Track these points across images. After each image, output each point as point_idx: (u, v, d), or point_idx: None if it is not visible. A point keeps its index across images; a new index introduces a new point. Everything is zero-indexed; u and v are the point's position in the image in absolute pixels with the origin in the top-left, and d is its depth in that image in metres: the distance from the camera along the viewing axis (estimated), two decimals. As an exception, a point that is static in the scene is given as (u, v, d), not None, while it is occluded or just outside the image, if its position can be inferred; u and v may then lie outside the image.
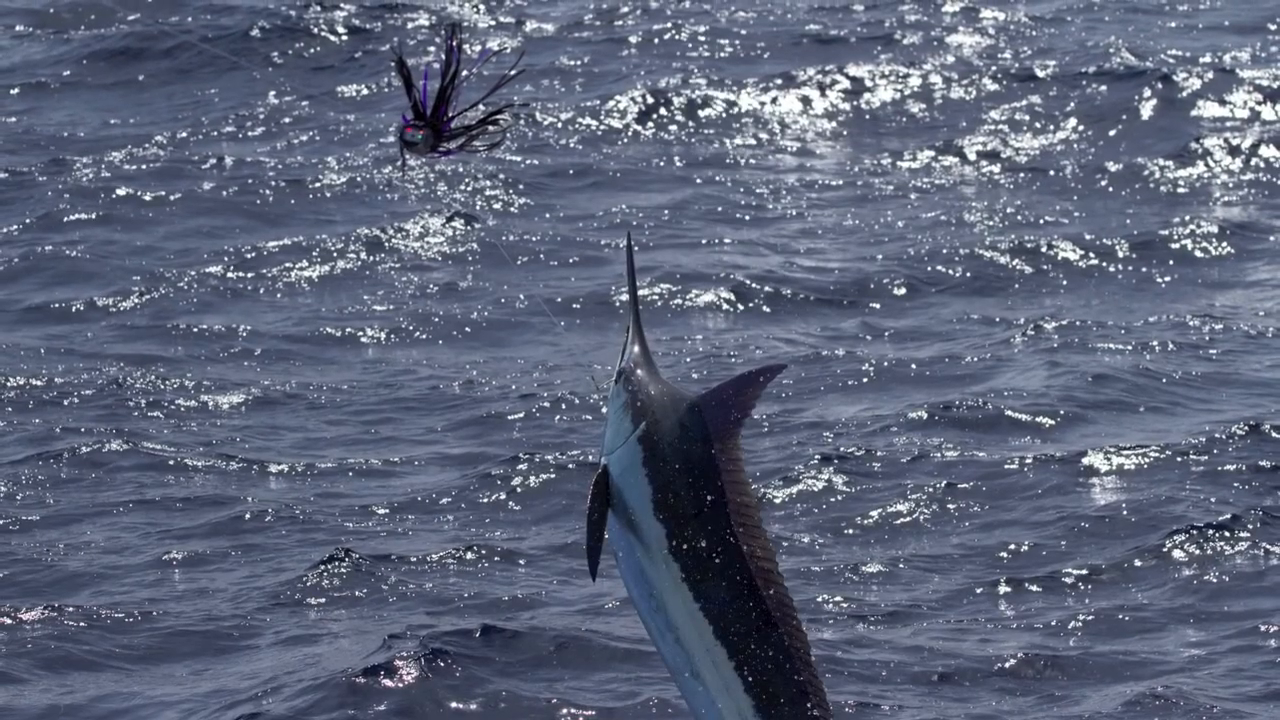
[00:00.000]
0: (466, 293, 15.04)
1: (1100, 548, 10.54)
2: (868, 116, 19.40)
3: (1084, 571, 10.26)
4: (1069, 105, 19.22)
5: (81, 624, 9.70)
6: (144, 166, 17.65)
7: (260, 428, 12.49)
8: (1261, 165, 17.88)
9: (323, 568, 10.22)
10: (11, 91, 20.00)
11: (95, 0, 22.10)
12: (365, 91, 19.89)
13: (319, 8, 21.77)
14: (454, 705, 8.87)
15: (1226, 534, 10.47)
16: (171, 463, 11.74)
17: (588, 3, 22.91)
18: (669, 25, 21.73)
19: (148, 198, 16.78)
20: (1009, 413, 12.30)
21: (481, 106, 5.32)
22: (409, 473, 11.77)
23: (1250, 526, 10.52)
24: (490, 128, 5.34)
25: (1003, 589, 10.14)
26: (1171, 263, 15.68)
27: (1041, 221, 16.60)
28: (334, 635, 9.64)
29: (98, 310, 14.55)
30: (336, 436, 12.37)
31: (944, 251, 15.69)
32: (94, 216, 16.43)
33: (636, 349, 5.34)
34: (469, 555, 10.44)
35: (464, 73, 5.28)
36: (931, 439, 11.94)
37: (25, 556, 10.53)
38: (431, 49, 20.43)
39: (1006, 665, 9.29)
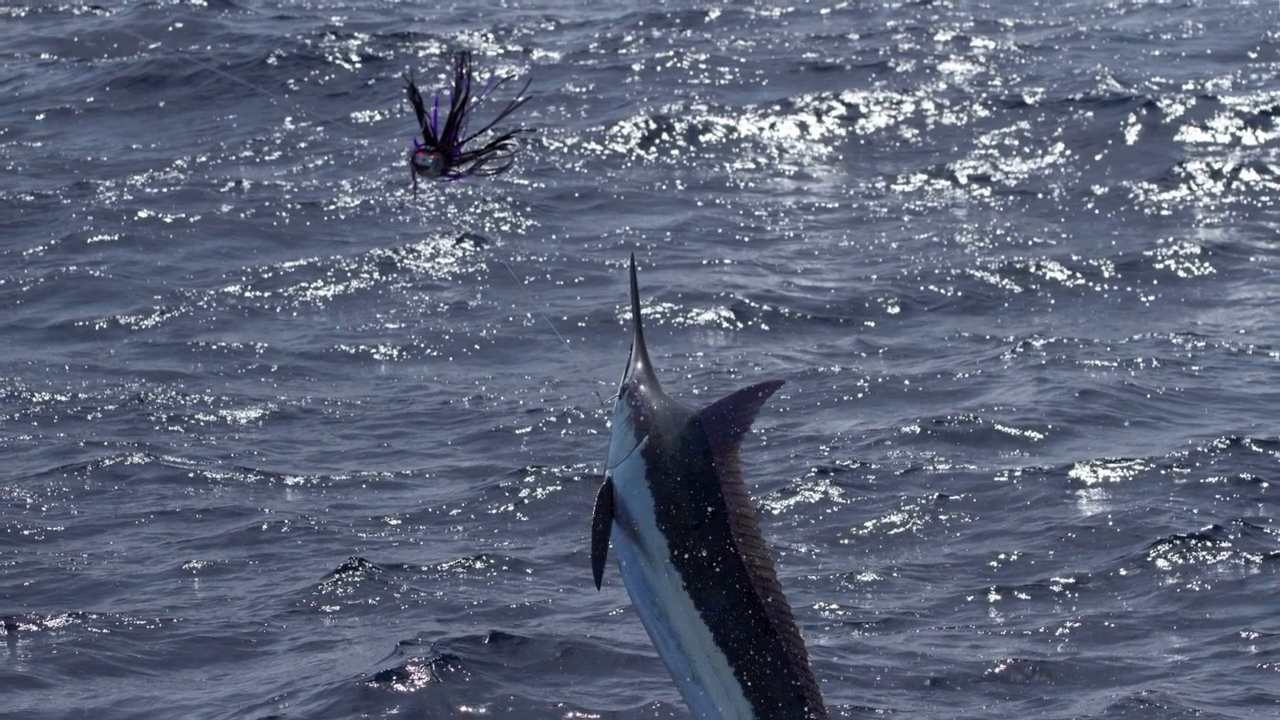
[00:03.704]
0: (476, 311, 15.09)
1: (1087, 557, 10.61)
2: (862, 141, 19.43)
3: (1071, 580, 10.34)
4: (1057, 130, 19.26)
5: (104, 631, 9.78)
6: (165, 190, 17.69)
7: (277, 441, 12.55)
8: (1242, 189, 17.93)
9: (337, 576, 10.29)
10: (37, 117, 20.06)
11: (118, 30, 22.23)
12: (378, 117, 19.92)
13: (334, 36, 21.79)
14: (464, 709, 8.94)
15: (1209, 544, 10.54)
16: (191, 475, 11.80)
17: (593, 31, 23.02)
18: (671, 54, 21.81)
19: (168, 220, 16.84)
20: (999, 427, 12.37)
21: (490, 132, 5.35)
22: (420, 485, 11.83)
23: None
24: (499, 152, 5.30)
25: (993, 597, 10.22)
26: (1155, 282, 15.72)
27: (1030, 243, 16.63)
28: (348, 641, 9.71)
29: (120, 328, 14.60)
30: (350, 450, 12.42)
31: (936, 272, 15.73)
32: (116, 238, 16.48)
33: (639, 365, 5.35)
34: (478, 564, 10.51)
35: (473, 99, 5.31)
36: (924, 452, 12.01)
37: (50, 565, 10.61)
38: (442, 76, 20.40)
39: (996, 671, 9.36)
